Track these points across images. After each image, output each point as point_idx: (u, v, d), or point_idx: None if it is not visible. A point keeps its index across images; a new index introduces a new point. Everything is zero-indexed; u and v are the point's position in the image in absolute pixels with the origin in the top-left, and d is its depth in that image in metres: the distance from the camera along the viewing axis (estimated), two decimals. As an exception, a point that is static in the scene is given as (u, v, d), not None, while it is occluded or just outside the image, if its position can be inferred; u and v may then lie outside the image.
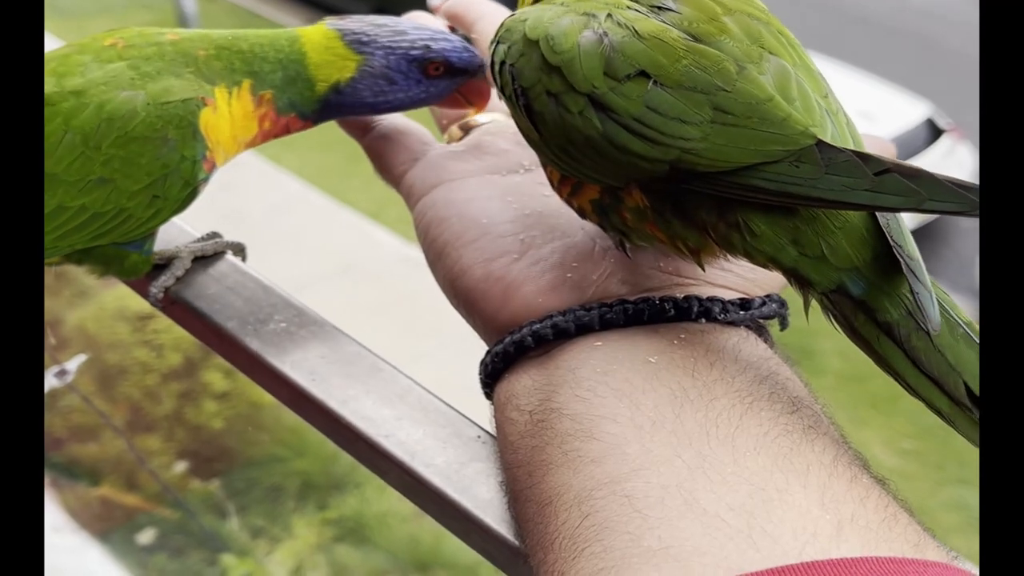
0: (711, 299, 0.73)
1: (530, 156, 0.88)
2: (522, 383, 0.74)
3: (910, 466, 6.01)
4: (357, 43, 0.88)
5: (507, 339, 0.76)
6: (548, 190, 0.84)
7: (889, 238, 0.64)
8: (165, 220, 0.91)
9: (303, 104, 0.89)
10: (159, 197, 0.86)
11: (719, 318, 0.73)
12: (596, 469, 0.64)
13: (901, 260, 0.63)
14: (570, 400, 0.69)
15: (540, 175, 0.86)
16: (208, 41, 0.88)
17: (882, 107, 8.58)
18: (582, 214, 0.78)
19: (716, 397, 0.66)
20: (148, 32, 0.89)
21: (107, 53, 0.86)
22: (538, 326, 0.74)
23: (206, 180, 0.90)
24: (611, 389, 0.68)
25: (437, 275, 0.83)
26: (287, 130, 0.91)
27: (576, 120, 0.69)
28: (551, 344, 0.74)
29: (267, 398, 0.91)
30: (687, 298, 0.73)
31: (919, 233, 8.06)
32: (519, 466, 0.71)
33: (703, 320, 0.73)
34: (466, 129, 0.97)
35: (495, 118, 0.97)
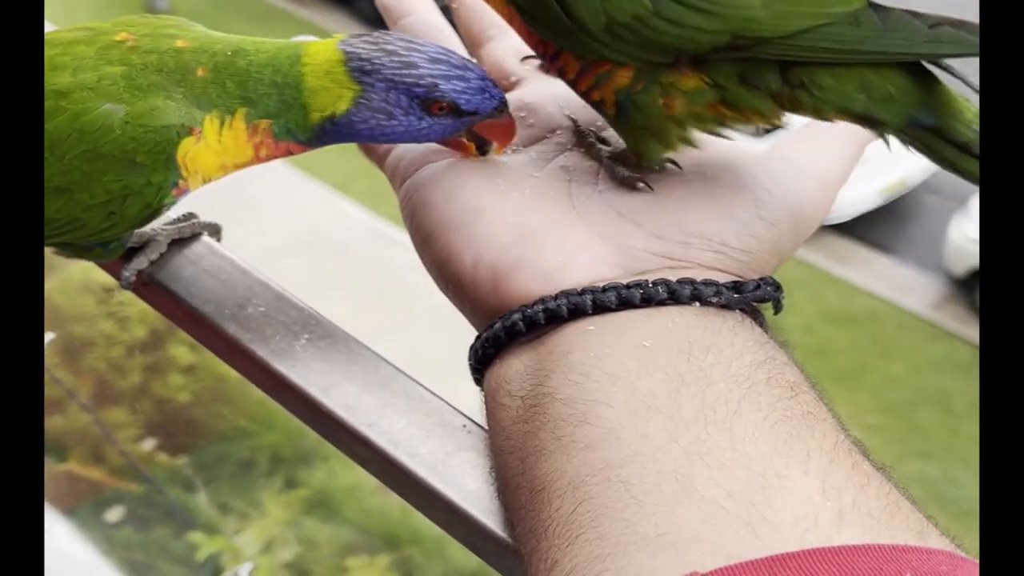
0: (704, 282, 0.72)
1: (519, 136, 0.86)
2: (513, 368, 0.73)
3: (873, 440, 6.09)
4: (359, 71, 0.80)
5: (497, 324, 0.74)
6: (537, 171, 0.82)
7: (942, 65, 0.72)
8: (121, 233, 0.87)
9: (298, 131, 0.83)
10: (115, 214, 0.83)
11: (712, 301, 0.72)
12: (590, 455, 0.63)
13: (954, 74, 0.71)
14: (563, 384, 0.68)
15: (528, 156, 0.84)
16: (210, 56, 0.82)
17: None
18: (600, 108, 0.79)
19: (713, 382, 0.65)
20: (161, 32, 0.83)
21: (113, 52, 0.81)
22: (530, 310, 0.73)
23: (172, 204, 0.86)
24: (605, 373, 0.67)
25: (424, 259, 0.81)
26: (288, 153, 0.86)
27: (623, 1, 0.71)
28: (543, 328, 0.73)
29: (234, 372, 0.89)
30: (680, 281, 0.72)
31: (885, 210, 8.16)
32: (510, 452, 0.69)
33: (697, 303, 0.72)
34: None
35: None
